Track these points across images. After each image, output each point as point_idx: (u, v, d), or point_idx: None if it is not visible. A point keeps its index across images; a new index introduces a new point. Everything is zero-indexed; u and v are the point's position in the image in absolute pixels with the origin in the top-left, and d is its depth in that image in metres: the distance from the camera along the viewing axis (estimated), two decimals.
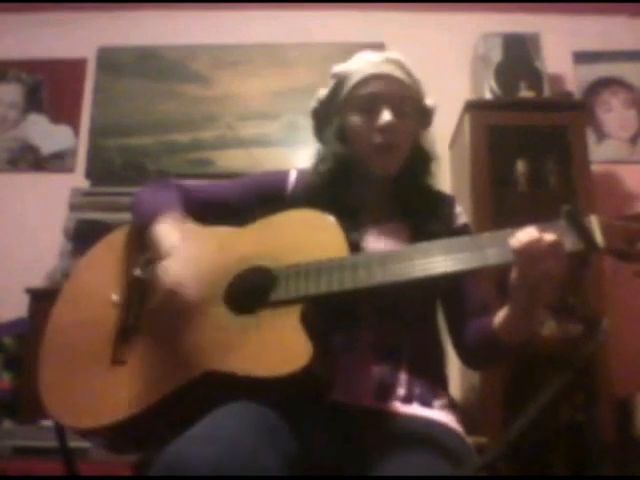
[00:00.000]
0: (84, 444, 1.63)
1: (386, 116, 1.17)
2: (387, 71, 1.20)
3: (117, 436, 1.06)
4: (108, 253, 1.23)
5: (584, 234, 0.91)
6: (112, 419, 1.01)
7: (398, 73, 1.21)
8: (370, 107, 1.19)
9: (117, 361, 1.08)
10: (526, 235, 0.92)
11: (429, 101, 1.28)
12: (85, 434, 1.09)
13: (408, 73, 1.23)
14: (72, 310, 1.18)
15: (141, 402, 1.00)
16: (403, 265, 0.99)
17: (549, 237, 0.91)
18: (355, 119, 1.21)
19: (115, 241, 1.24)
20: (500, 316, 1.04)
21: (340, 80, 1.24)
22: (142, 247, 1.16)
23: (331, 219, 1.10)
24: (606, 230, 0.91)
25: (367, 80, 1.21)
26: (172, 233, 1.09)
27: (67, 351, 1.13)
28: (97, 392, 1.06)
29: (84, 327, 1.14)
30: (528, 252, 0.91)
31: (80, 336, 1.13)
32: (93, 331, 1.13)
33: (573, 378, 0.80)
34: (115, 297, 1.15)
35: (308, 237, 1.09)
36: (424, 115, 1.28)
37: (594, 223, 0.92)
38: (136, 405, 1.00)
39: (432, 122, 1.30)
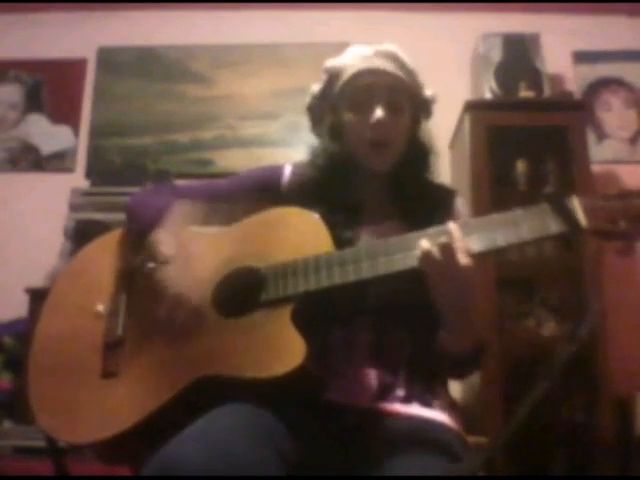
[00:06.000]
0: None
1: (378, 113, 1.15)
2: (379, 65, 1.18)
3: (115, 448, 1.05)
4: (90, 263, 1.22)
5: (567, 216, 0.91)
6: (112, 431, 1.00)
7: (390, 66, 1.18)
8: (363, 103, 1.18)
9: (108, 373, 1.07)
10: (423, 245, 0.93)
11: (428, 92, 1.25)
12: (81, 447, 1.07)
13: (402, 65, 1.20)
14: (58, 321, 1.17)
15: (140, 412, 1.00)
16: (391, 258, 0.98)
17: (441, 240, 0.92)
18: (348, 116, 1.20)
19: (96, 251, 1.23)
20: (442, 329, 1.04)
21: (332, 75, 1.23)
22: (132, 254, 1.15)
23: (315, 216, 1.09)
24: (588, 210, 0.91)
25: (358, 75, 1.19)
26: (167, 240, 1.09)
27: (55, 364, 1.11)
28: (92, 406, 1.04)
29: (71, 339, 1.13)
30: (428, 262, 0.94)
31: (68, 348, 1.12)
32: (80, 343, 1.12)
33: (569, 366, 0.80)
34: (101, 308, 1.14)
35: (293, 235, 1.08)
36: (422, 106, 1.26)
37: (576, 204, 0.91)
38: (136, 415, 1.00)
39: (432, 113, 1.27)
